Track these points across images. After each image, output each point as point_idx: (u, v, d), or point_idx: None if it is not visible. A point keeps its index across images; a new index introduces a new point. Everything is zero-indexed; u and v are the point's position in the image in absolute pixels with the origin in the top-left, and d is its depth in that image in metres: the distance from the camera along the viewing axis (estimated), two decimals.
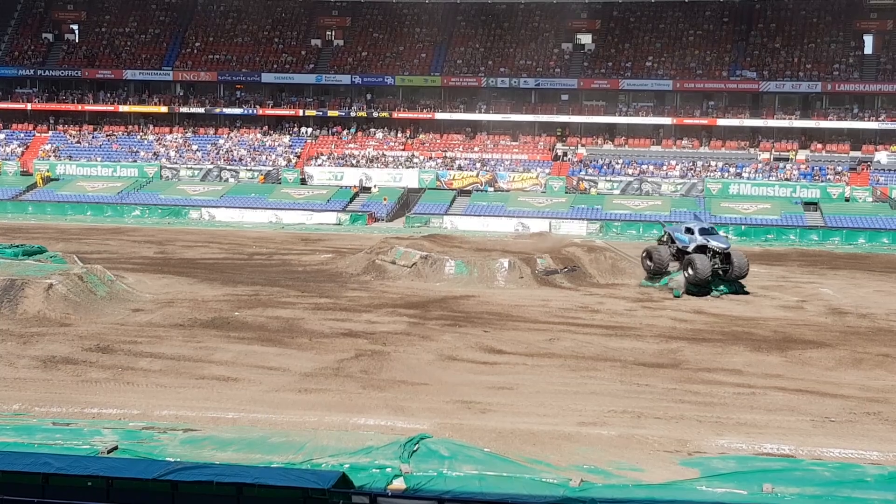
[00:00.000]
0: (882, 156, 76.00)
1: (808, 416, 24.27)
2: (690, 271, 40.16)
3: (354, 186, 75.40)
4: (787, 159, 76.83)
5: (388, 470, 20.47)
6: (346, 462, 20.74)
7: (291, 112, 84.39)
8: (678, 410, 24.64)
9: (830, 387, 27.12)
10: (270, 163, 79.91)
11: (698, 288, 40.37)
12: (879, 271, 51.25)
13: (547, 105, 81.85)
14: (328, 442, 22.03)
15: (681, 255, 41.73)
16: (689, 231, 42.14)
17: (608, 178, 74.88)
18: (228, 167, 79.19)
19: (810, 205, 70.26)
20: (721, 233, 45.05)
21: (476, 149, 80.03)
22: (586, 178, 74.95)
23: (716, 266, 40.55)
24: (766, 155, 77.54)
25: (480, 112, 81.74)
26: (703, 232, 41.84)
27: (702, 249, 41.07)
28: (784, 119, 77.95)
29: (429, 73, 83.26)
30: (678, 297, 40.74)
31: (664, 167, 76.24)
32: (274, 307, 37.12)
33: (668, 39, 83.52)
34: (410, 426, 23.13)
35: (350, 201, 73.32)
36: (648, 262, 42.77)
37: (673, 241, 42.84)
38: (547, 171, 76.30)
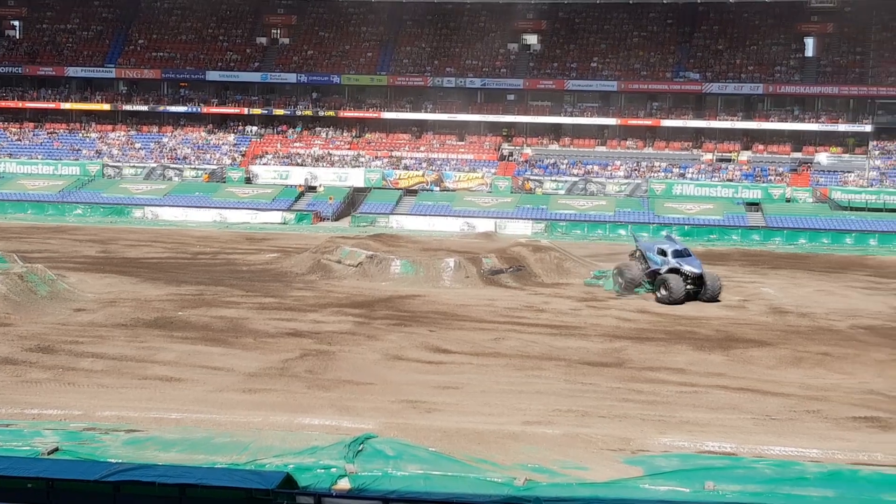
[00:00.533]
0: (822, 157, 77.05)
1: (750, 415, 24.55)
2: (664, 291, 39.98)
3: (300, 185, 75.08)
4: (729, 160, 77.63)
5: (333, 470, 20.42)
6: (290, 462, 20.65)
7: (237, 110, 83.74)
8: (622, 409, 24.81)
9: (772, 385, 27.46)
10: (215, 161, 79.32)
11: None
12: (819, 271, 51.94)
13: (493, 105, 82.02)
14: (273, 442, 21.93)
15: (652, 274, 41.39)
16: (662, 252, 41.57)
17: (554, 178, 75.21)
18: (173, 166, 78.49)
19: (752, 205, 71.04)
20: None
21: (422, 148, 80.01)
22: (532, 177, 75.23)
23: (688, 288, 40.42)
24: (709, 156, 78.29)
25: (427, 111, 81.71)
26: (677, 254, 41.40)
27: (674, 272, 40.70)
28: (727, 120, 78.78)
29: (375, 73, 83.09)
30: (619, 293, 41.15)
31: (609, 167, 76.73)
32: (218, 307, 36.87)
33: (613, 41, 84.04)
34: (356, 426, 23.06)
35: (296, 200, 73.00)
36: (620, 279, 42.45)
37: (645, 259, 42.49)
38: (493, 170, 76.47)
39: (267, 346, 31.09)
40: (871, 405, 25.52)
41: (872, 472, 20.59)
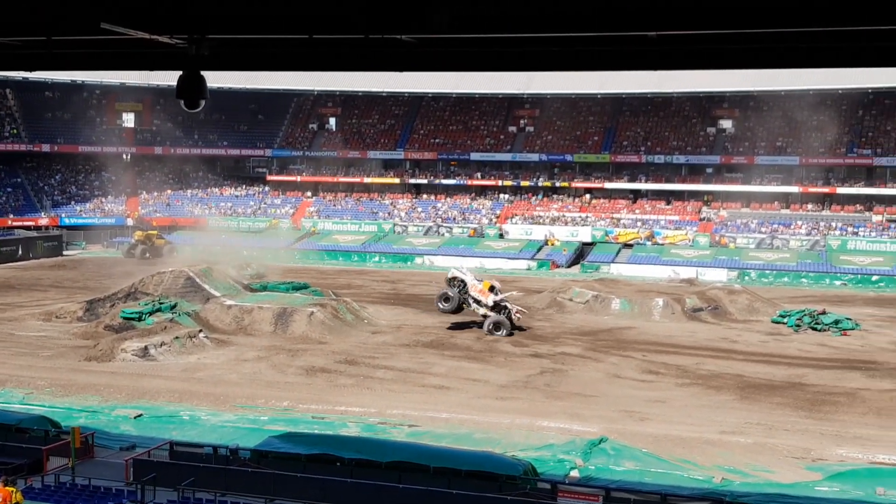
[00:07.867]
0: None
1: None
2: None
3: (551, 239, 74.90)
4: None
5: (566, 464, 20.30)
6: (532, 455, 20.67)
7: (493, 182, 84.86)
8: (803, 425, 23.49)
9: None
10: (476, 221, 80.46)
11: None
12: None
13: (694, 177, 79.74)
14: (518, 439, 22.07)
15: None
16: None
17: (744, 235, 72.23)
18: (444, 224, 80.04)
19: None
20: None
21: (637, 211, 78.53)
22: (727, 234, 72.59)
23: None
24: (879, 217, 73.35)
25: (641, 182, 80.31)
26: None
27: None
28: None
29: (599, 152, 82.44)
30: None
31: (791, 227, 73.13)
32: (474, 332, 37.17)
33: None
34: (584, 429, 22.84)
35: (537, 251, 72.94)
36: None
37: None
38: (695, 229, 74.30)
39: (514, 364, 31.25)
40: None
41: None
